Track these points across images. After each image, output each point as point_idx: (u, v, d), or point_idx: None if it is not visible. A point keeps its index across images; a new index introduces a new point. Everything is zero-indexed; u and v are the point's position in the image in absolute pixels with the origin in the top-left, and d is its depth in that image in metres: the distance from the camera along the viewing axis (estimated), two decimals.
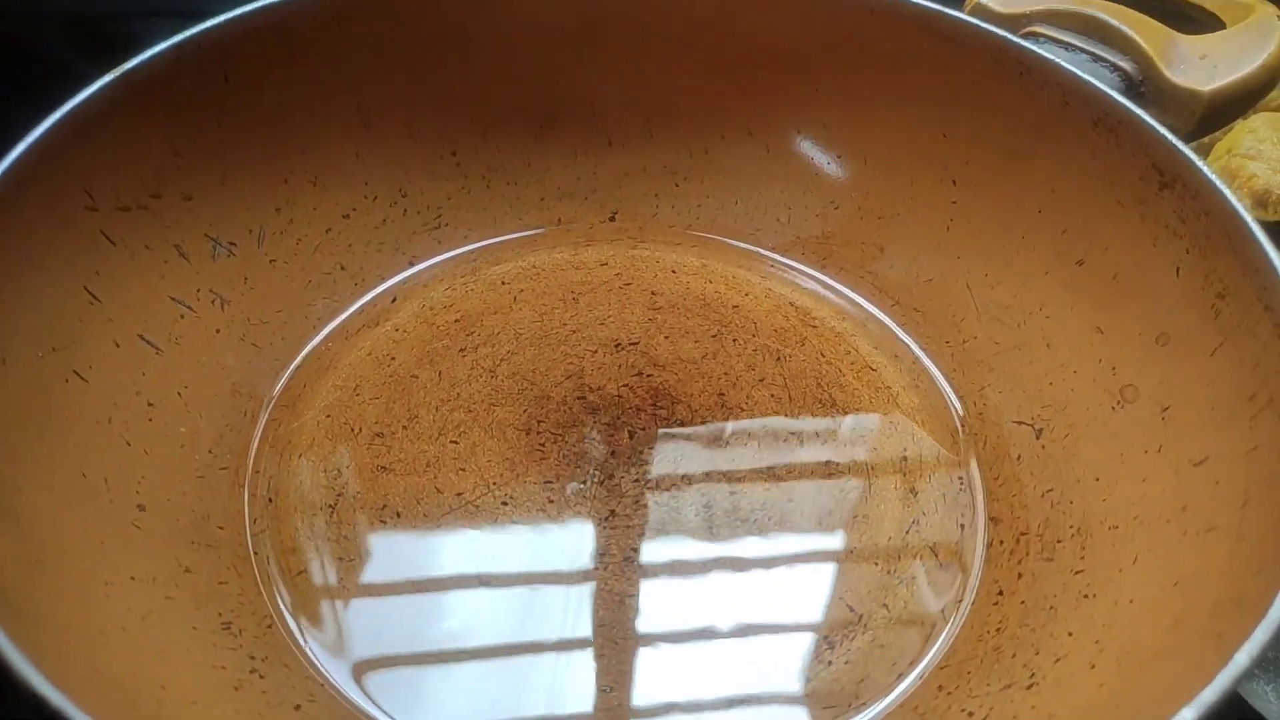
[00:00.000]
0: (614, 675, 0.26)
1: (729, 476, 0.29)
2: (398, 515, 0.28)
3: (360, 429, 0.30)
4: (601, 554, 0.28)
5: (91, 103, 0.27)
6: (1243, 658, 0.18)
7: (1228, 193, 0.26)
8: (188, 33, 0.30)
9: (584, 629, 0.26)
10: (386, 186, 0.35)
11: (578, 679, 0.26)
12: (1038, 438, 0.30)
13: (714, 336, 0.33)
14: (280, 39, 0.31)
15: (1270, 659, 0.27)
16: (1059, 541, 0.27)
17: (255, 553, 0.27)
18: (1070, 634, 0.24)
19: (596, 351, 0.33)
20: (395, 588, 0.27)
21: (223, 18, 0.30)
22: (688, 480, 0.29)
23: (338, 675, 0.25)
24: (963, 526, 0.29)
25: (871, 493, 0.29)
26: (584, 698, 0.25)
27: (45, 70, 0.46)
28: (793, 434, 0.31)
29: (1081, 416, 0.29)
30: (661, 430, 0.31)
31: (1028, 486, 0.29)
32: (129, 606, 0.23)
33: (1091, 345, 0.29)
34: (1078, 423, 0.29)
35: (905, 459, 0.30)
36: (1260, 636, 0.19)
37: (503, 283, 0.35)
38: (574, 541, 0.28)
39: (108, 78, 0.28)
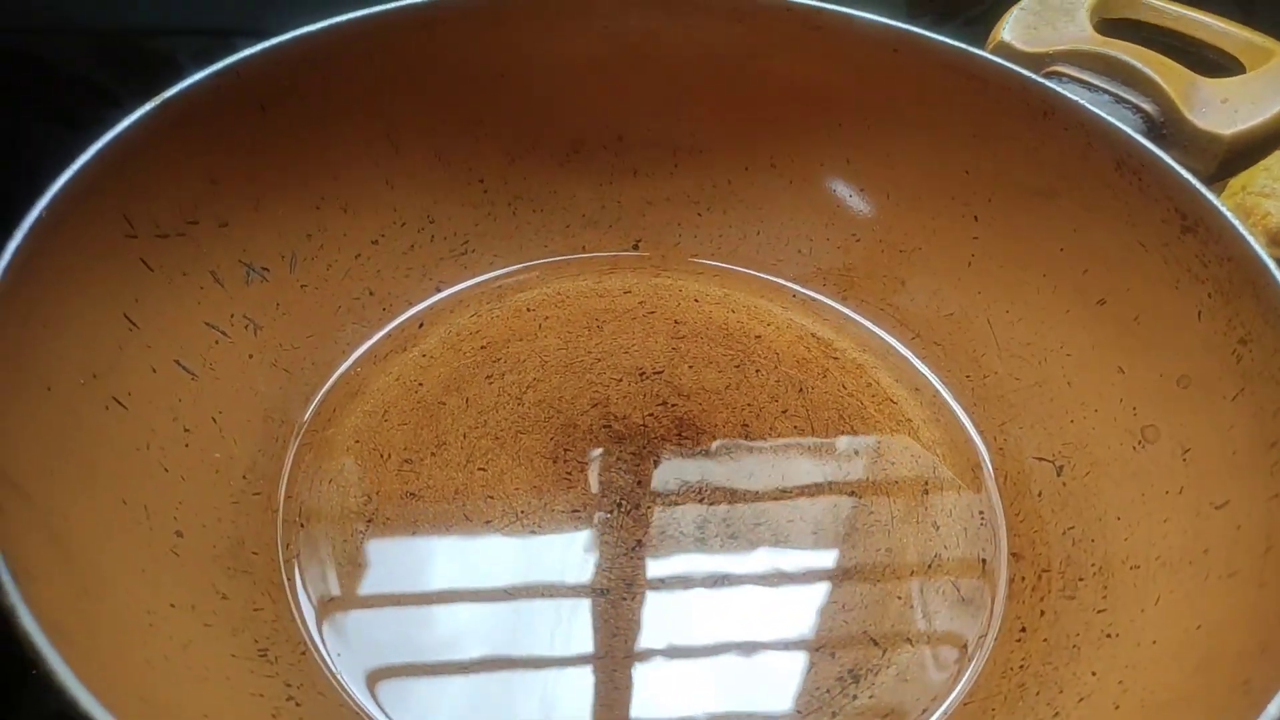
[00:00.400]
0: (642, 700, 0.26)
1: (753, 506, 0.30)
2: (428, 544, 0.29)
3: (389, 455, 0.31)
4: (629, 583, 0.28)
5: (132, 131, 0.28)
6: (1275, 709, 0.18)
7: (1250, 239, 0.27)
8: (226, 61, 0.30)
9: (615, 653, 0.27)
10: (415, 213, 0.35)
11: (616, 699, 0.26)
12: (1059, 475, 0.30)
13: (737, 366, 0.34)
14: (315, 68, 0.32)
15: None
16: (1081, 579, 0.27)
17: (288, 579, 0.27)
18: (1094, 673, 0.25)
19: (621, 380, 0.33)
20: (423, 607, 0.27)
21: (260, 47, 0.31)
22: (712, 510, 0.30)
23: (370, 704, 0.25)
24: (984, 561, 0.29)
25: (894, 525, 0.30)
26: None
27: (73, 88, 0.47)
28: (815, 465, 0.31)
29: (1103, 455, 0.29)
30: (687, 461, 0.31)
31: (1049, 523, 0.29)
32: (170, 635, 0.23)
33: (1113, 385, 0.30)
34: (1099, 461, 0.29)
35: (927, 492, 0.31)
36: None
37: (528, 309, 0.35)
38: (603, 571, 0.28)
39: (148, 106, 0.28)
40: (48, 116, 0.45)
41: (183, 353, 0.29)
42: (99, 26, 0.49)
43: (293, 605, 0.27)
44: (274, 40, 0.31)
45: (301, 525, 0.29)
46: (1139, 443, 0.29)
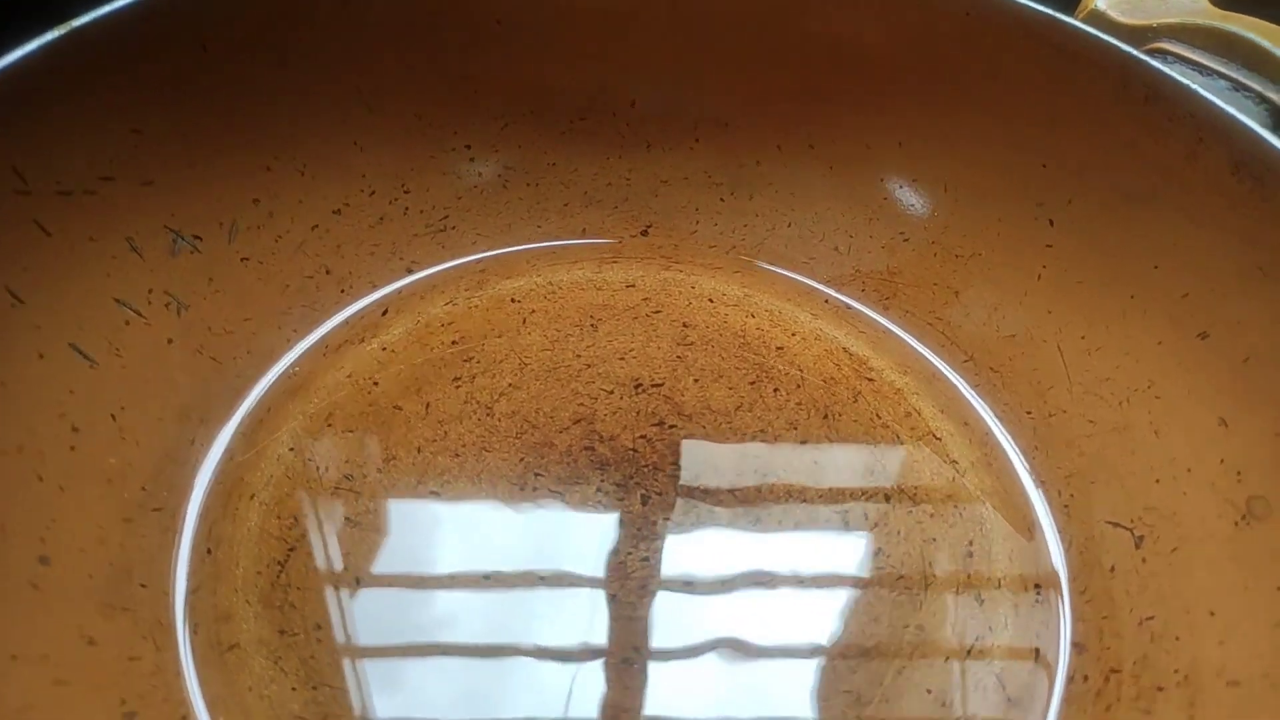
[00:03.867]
0: None
1: (756, 570, 0.24)
2: (357, 583, 0.24)
3: (327, 468, 0.26)
4: (596, 652, 0.23)
5: (27, 65, 0.23)
6: None
7: None
8: None
9: None
10: (387, 181, 0.30)
11: None
12: (1138, 547, 0.24)
13: (752, 383, 0.28)
14: (270, 6, 0.27)
15: None
16: (1160, 689, 0.22)
17: (182, 620, 0.23)
18: None
19: (613, 392, 0.28)
20: (340, 681, 0.22)
21: None
22: (706, 565, 0.24)
23: None
24: (1038, 651, 0.24)
25: (927, 597, 0.24)
26: None
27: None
28: (838, 515, 0.26)
29: (1195, 529, 0.23)
30: (680, 499, 0.26)
31: (1122, 608, 0.24)
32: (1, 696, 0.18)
33: (1212, 440, 0.24)
34: (1190, 536, 0.24)
35: (971, 555, 0.25)
36: None
37: (512, 300, 0.30)
38: (566, 632, 0.23)
39: (51, 35, 0.23)
40: None
41: (80, 334, 0.24)
42: None
43: (180, 655, 0.22)
44: None
45: (209, 551, 0.24)
46: (1242, 517, 0.23)
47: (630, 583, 0.24)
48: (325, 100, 0.29)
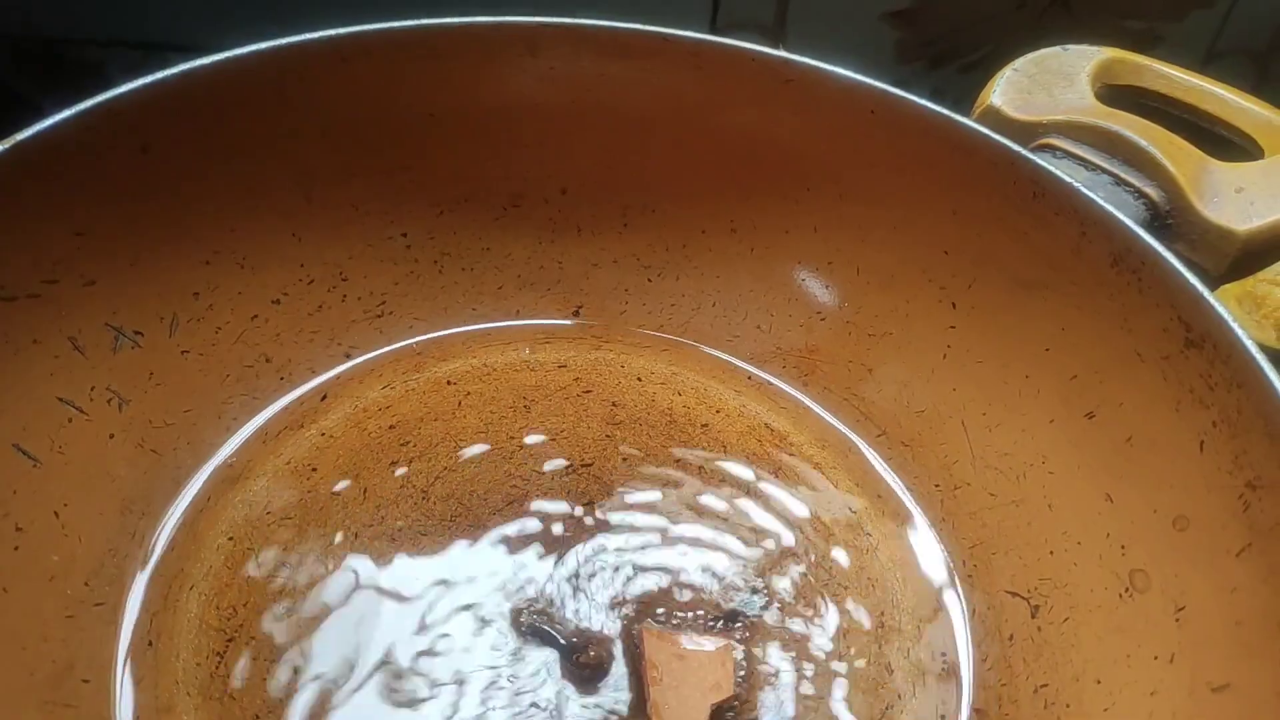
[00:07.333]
0: None
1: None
2: (295, 673, 0.24)
3: (266, 556, 0.27)
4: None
5: None
6: None
7: (1265, 364, 0.23)
8: (98, 98, 0.26)
9: None
10: (325, 269, 0.31)
11: None
12: (1033, 616, 0.26)
13: (677, 461, 0.30)
14: (211, 106, 0.28)
15: None
16: None
17: (127, 715, 0.23)
18: None
19: (545, 473, 0.29)
20: None
21: (141, 81, 0.27)
22: (629, 644, 0.26)
23: None
24: (943, 717, 0.25)
25: (842, 665, 0.26)
26: None
27: None
28: (756, 590, 0.27)
29: (1084, 599, 0.25)
30: (609, 576, 0.27)
31: (1019, 676, 0.25)
32: None
33: (1099, 515, 0.26)
34: (1079, 605, 0.25)
35: (883, 625, 0.27)
36: None
37: (449, 383, 0.31)
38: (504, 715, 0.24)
39: None
40: None
41: (24, 435, 0.25)
42: (23, 32, 0.45)
43: None
44: (158, 75, 0.27)
45: (150, 644, 0.25)
46: (1126, 590, 0.25)
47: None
48: (263, 193, 0.30)
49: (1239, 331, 0.23)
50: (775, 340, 0.33)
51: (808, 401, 0.32)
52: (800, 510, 0.29)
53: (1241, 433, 0.23)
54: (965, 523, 0.29)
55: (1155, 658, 0.23)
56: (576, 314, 0.34)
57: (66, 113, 0.26)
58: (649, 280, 0.34)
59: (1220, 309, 0.24)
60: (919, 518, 0.29)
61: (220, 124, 0.28)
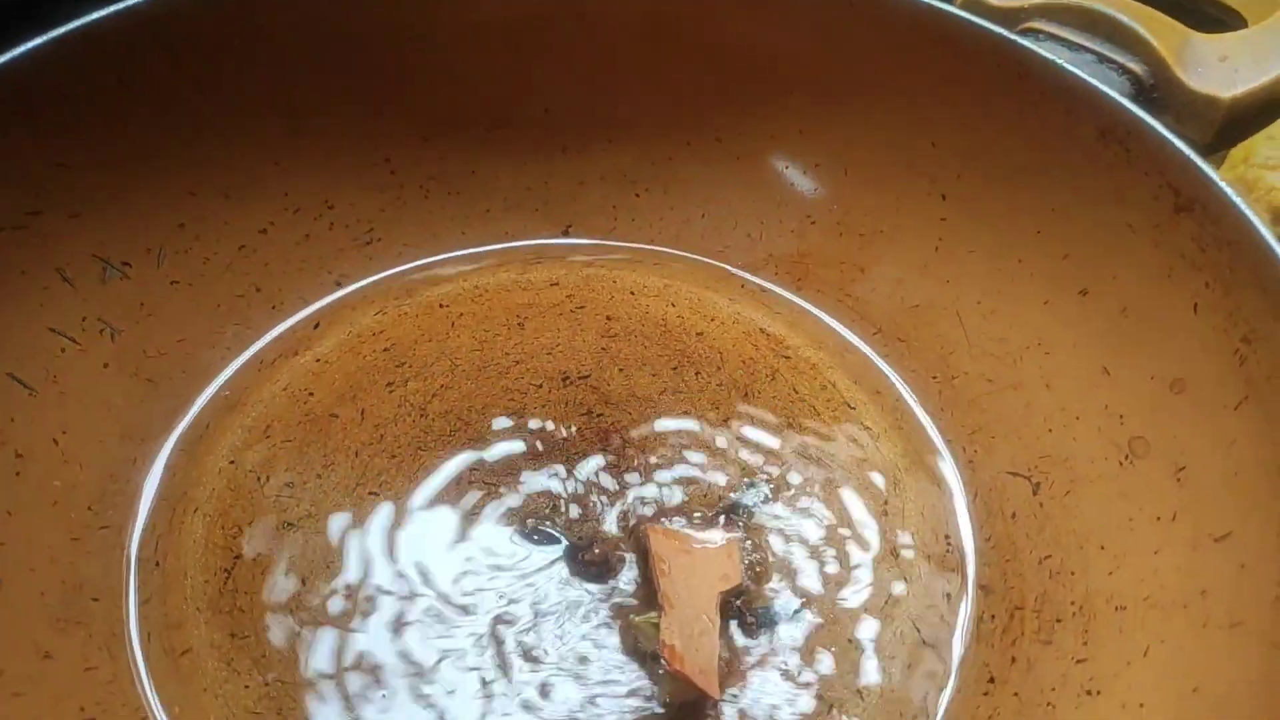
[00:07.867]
0: None
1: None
2: (303, 584, 0.25)
3: (267, 478, 0.27)
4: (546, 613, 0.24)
5: None
6: None
7: (1255, 219, 0.23)
8: (69, 25, 0.26)
9: None
10: (311, 198, 0.31)
11: None
12: (1035, 493, 0.26)
13: (674, 369, 0.30)
14: (189, 36, 0.28)
15: None
16: (1058, 621, 0.23)
17: (136, 629, 0.23)
18: None
19: (542, 386, 0.29)
20: (293, 676, 0.23)
21: (114, 8, 0.26)
22: (636, 544, 0.26)
23: None
24: (948, 596, 0.25)
25: (847, 554, 0.26)
26: None
27: None
28: (755, 484, 0.27)
29: (1085, 471, 0.25)
30: (610, 481, 0.27)
31: (1023, 551, 0.25)
32: None
33: (1096, 388, 0.26)
34: (1080, 478, 0.25)
35: (886, 514, 0.27)
36: None
37: (440, 305, 0.31)
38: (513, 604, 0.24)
39: None
40: None
41: (18, 365, 0.25)
42: None
43: (136, 662, 0.23)
44: (133, 1, 0.27)
45: (157, 564, 0.25)
46: (1126, 457, 0.25)
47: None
48: (246, 124, 0.30)
49: (1228, 191, 0.23)
50: (767, 247, 0.33)
51: (803, 304, 0.32)
52: (799, 409, 0.29)
53: (1235, 289, 0.23)
54: (964, 410, 0.29)
55: (1158, 518, 0.23)
56: (566, 233, 0.33)
57: (36, 40, 0.25)
58: (636, 195, 0.34)
59: (1209, 170, 0.24)
60: (918, 409, 0.29)
61: (199, 53, 0.28)
